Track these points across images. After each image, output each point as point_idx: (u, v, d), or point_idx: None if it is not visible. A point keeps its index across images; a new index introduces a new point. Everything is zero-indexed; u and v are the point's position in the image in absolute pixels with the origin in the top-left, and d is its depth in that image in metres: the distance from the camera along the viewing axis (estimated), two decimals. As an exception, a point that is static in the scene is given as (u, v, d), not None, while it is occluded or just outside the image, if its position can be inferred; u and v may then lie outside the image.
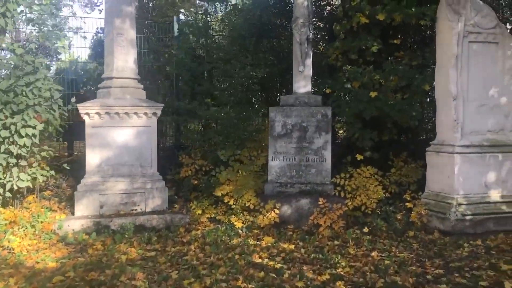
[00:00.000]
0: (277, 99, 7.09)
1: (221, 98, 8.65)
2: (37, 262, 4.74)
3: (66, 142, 9.41)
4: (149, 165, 6.47)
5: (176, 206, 6.81)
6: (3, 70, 6.75)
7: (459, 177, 6.04)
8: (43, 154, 6.10)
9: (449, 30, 6.19)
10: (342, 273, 4.45)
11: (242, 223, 6.13)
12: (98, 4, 16.40)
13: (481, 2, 6.54)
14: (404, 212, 6.43)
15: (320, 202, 6.08)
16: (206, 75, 9.56)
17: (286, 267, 4.62)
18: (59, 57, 12.90)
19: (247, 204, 6.27)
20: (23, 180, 5.87)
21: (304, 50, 6.66)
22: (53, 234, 5.68)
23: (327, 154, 6.55)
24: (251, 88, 9.58)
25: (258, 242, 5.52)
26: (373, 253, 5.03)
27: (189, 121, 9.26)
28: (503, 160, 6.18)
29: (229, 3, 12.44)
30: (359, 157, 7.02)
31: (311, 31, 6.75)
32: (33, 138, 5.81)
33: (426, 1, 7.29)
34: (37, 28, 7.42)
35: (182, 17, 14.18)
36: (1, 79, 5.99)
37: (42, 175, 6.12)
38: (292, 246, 5.34)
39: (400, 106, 7.04)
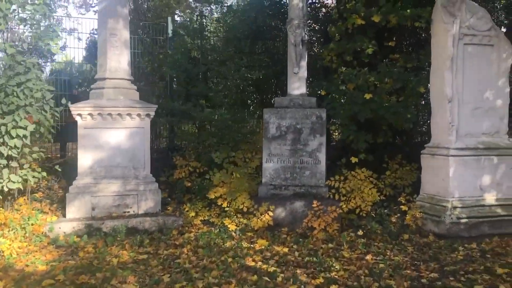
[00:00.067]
0: (272, 101, 7.05)
1: (215, 99, 8.60)
2: (27, 265, 4.67)
3: (58, 143, 9.31)
4: (142, 167, 6.40)
5: (169, 208, 6.75)
6: (-6, 70, 6.68)
7: (454, 180, 6.01)
8: (34, 155, 6.01)
9: (445, 32, 6.17)
10: (336, 276, 4.40)
11: (236, 225, 6.07)
12: (93, 5, 16.32)
13: (476, 4, 6.54)
14: (399, 215, 6.40)
15: (314, 205, 6.03)
16: (201, 76, 9.51)
17: (280, 270, 4.57)
18: (53, 58, 12.81)
19: (241, 207, 6.22)
20: (14, 182, 5.78)
21: (298, 52, 6.63)
22: (44, 236, 5.60)
23: (322, 156, 6.51)
24: (246, 89, 9.54)
25: (252, 245, 5.46)
26: (368, 257, 4.99)
27: (183, 123, 9.21)
28: (498, 163, 6.16)
29: (224, 4, 12.42)
30: (353, 159, 6.99)
31: (306, 33, 6.73)
32: (24, 139, 5.73)
33: (422, 3, 7.28)
34: (29, 28, 7.35)
35: (177, 18, 14.16)
36: (-9, 79, 5.92)
37: (33, 176, 6.03)
38: (286, 249, 5.29)
39: (395, 108, 7.01)
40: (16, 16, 7.10)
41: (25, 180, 5.96)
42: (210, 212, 6.53)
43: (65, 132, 8.50)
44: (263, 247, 5.38)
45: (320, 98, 7.95)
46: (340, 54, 7.75)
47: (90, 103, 6.23)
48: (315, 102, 6.75)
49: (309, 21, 9.30)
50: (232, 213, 6.28)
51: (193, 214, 6.45)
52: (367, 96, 6.97)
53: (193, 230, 6.07)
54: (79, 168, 6.21)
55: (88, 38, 12.65)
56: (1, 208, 6.00)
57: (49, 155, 8.66)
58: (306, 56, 6.84)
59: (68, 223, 5.79)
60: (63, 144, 9.56)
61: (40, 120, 5.95)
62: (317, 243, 5.54)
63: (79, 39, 15.31)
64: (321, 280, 4.28)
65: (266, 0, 10.04)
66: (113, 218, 6.03)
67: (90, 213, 6.09)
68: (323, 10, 10.30)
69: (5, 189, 5.76)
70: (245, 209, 6.22)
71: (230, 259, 4.83)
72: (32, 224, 5.78)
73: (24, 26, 7.24)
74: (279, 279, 4.30)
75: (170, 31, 9.59)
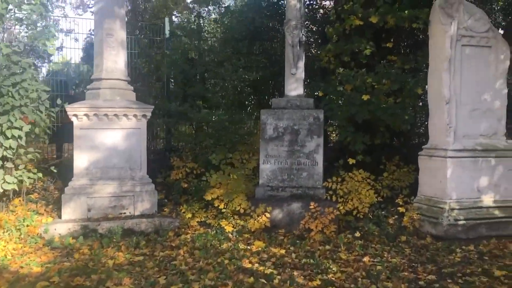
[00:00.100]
0: (270, 102, 7.03)
1: (213, 100, 8.57)
2: (22, 267, 4.62)
3: (55, 144, 9.27)
4: (138, 168, 6.36)
5: (165, 209, 6.71)
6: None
7: (451, 182, 6.00)
8: (30, 156, 5.97)
9: (442, 34, 6.16)
10: (333, 278, 4.37)
11: (233, 227, 6.04)
12: (90, 6, 16.28)
13: (474, 5, 6.54)
14: (396, 216, 6.37)
15: (311, 206, 6.00)
16: (198, 77, 9.48)
17: (277, 272, 4.53)
18: (51, 58, 12.77)
19: (238, 208, 6.18)
20: (9, 183, 5.74)
21: (296, 53, 6.60)
22: (39, 238, 5.56)
23: (319, 157, 6.48)
24: (244, 91, 9.52)
25: (249, 247, 5.42)
26: (365, 258, 4.97)
27: (181, 124, 9.17)
28: (495, 164, 6.15)
29: (222, 5, 12.40)
30: (351, 161, 6.97)
31: (304, 34, 6.70)
32: (19, 140, 5.69)
33: (419, 5, 7.27)
34: (25, 28, 7.31)
35: (175, 19, 14.13)
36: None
37: (29, 177, 5.99)
38: (283, 251, 5.26)
39: (393, 109, 7.00)
40: (13, 16, 7.07)
41: (20, 181, 5.92)
42: (207, 213, 6.49)
43: (61, 133, 8.45)
44: (260, 248, 5.35)
45: (318, 99, 7.93)
46: (338, 55, 7.74)
47: (86, 104, 6.19)
48: (312, 103, 6.73)
49: (307, 22, 9.29)
50: (229, 214, 6.25)
51: (189, 215, 6.41)
52: (365, 97, 6.95)
53: (189, 231, 6.03)
54: (75, 169, 6.17)
55: (85, 38, 12.63)
56: (-4, 209, 5.97)
57: (45, 156, 8.62)
58: (304, 57, 6.82)
59: (64, 225, 5.75)
60: (60, 145, 9.51)
61: (35, 121, 5.92)
62: (314, 245, 5.51)
63: (76, 39, 15.26)
64: (318, 282, 4.25)
65: (263, 1, 10.03)
66: (109, 219, 5.98)
67: (86, 214, 6.05)
68: (321, 11, 10.30)
69: (0, 190, 5.72)
70: (242, 211, 6.18)
71: (226, 261, 4.79)
72: (27, 226, 5.73)
73: (20, 26, 7.21)
74: (276, 281, 4.27)
75: (167, 32, 9.56)
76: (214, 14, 13.59)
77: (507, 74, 6.50)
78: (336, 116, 7.32)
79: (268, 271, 4.54)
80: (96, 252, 5.08)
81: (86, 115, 6.12)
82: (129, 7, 12.67)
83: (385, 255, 5.15)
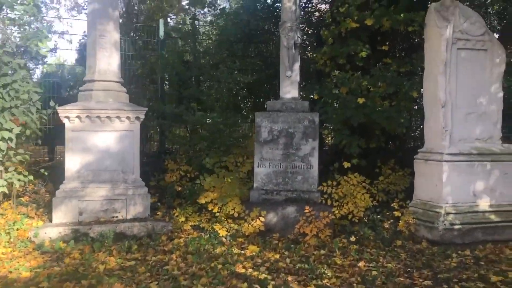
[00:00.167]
0: (265, 105, 6.97)
1: (207, 103, 8.51)
2: (10, 272, 4.53)
3: (46, 147, 9.17)
4: (131, 171, 6.27)
5: (158, 213, 6.62)
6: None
7: (447, 186, 5.95)
8: (19, 157, 5.87)
9: (438, 37, 6.13)
10: (328, 284, 4.31)
11: (227, 231, 5.96)
12: (85, 7, 16.16)
13: (470, 9, 6.52)
14: (391, 221, 6.32)
15: (306, 210, 5.94)
16: (193, 79, 9.42)
17: (271, 277, 4.46)
18: (45, 60, 12.68)
19: (232, 212, 6.11)
20: (-2, 185, 5.66)
21: (291, 55, 6.55)
22: (29, 242, 5.45)
23: (314, 161, 6.42)
24: (239, 93, 9.47)
25: (242, 251, 5.35)
26: (360, 263, 4.91)
27: (175, 126, 9.10)
28: (491, 168, 6.11)
29: (217, 8, 12.36)
30: (346, 164, 6.90)
31: (299, 36, 6.65)
32: (9, 141, 5.60)
33: (415, 8, 7.25)
34: (18, 29, 7.23)
35: (170, 21, 14.07)
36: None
37: (19, 180, 5.91)
38: (277, 256, 5.19)
39: (388, 113, 6.95)
40: (5, 17, 6.99)
41: (10, 184, 5.83)
42: (201, 217, 6.41)
43: (54, 135, 8.37)
44: (254, 253, 5.27)
45: (313, 102, 7.89)
46: (333, 58, 7.69)
47: (78, 106, 6.11)
48: (307, 106, 6.67)
49: (302, 25, 9.26)
50: (222, 218, 6.17)
51: (183, 219, 6.33)
52: (360, 100, 6.90)
53: (182, 235, 5.95)
54: (66, 171, 6.07)
55: (80, 40, 12.57)
56: (-15, 213, 5.86)
57: (37, 159, 8.52)
58: (299, 60, 6.77)
59: (54, 228, 5.65)
60: (52, 148, 9.42)
61: (26, 122, 5.83)
62: (309, 250, 5.45)
63: (70, 41, 15.20)
64: (313, 287, 4.18)
65: (259, 3, 9.99)
66: (101, 223, 5.89)
67: (77, 218, 5.95)
68: (316, 14, 10.29)
69: (-10, 193, 5.63)
70: (236, 214, 6.11)
71: (220, 266, 4.71)
72: (17, 229, 5.64)
73: (14, 26, 7.12)
74: (270, 286, 4.20)
75: (161, 34, 9.49)
76: (210, 17, 13.53)
77: (503, 78, 6.47)
78: (331, 119, 7.26)
79: (262, 276, 4.47)
80: (87, 256, 4.98)
81: (78, 117, 6.03)
82: (124, 9, 12.59)
83: (381, 260, 5.09)
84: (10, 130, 5.58)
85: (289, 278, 4.44)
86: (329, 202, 6.32)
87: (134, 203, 6.18)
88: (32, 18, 7.50)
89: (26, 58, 9.62)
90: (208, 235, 5.87)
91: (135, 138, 6.33)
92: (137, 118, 6.30)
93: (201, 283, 4.22)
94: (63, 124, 6.14)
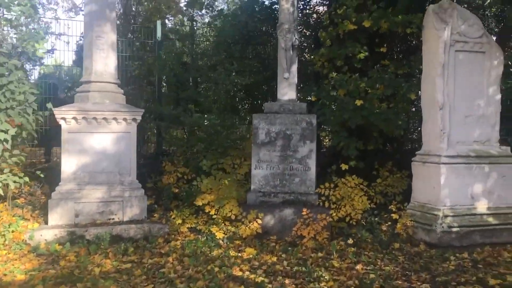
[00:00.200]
0: (262, 106, 6.94)
1: (205, 104, 8.48)
2: (5, 274, 4.48)
3: (43, 148, 9.13)
4: (127, 173, 6.23)
5: (155, 215, 6.59)
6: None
7: (445, 188, 5.93)
8: (14, 159, 5.82)
9: (436, 39, 6.12)
10: (325, 287, 4.28)
11: (224, 233, 5.92)
12: (82, 8, 16.09)
13: (468, 11, 6.52)
14: (389, 223, 6.29)
15: (304, 213, 5.91)
16: (191, 81, 9.39)
17: (268, 280, 4.43)
18: (42, 61, 12.62)
19: (229, 214, 6.07)
20: (-7, 187, 5.61)
21: (289, 57, 6.53)
22: (25, 244, 5.41)
23: (312, 163, 6.40)
24: (237, 95, 9.44)
25: (239, 254, 5.32)
26: (358, 266, 4.88)
27: (172, 128, 9.07)
28: (489, 171, 6.09)
29: (215, 9, 12.34)
30: (344, 166, 6.89)
31: (297, 38, 6.63)
32: (5, 143, 5.55)
33: (413, 10, 7.24)
34: (14, 30, 7.19)
35: (168, 23, 14.04)
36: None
37: (14, 181, 5.86)
38: (275, 258, 5.15)
39: (386, 115, 6.93)
40: (1, 17, 6.96)
41: (6, 185, 5.78)
42: (198, 219, 6.37)
43: (50, 137, 8.33)
44: (251, 256, 5.24)
45: (311, 104, 7.86)
46: (331, 60, 7.68)
47: (74, 107, 6.07)
48: (305, 107, 6.65)
49: (300, 26, 9.24)
50: (220, 220, 6.13)
51: (180, 221, 6.29)
52: (358, 102, 6.88)
53: (179, 238, 5.91)
54: (63, 173, 6.02)
55: (77, 41, 12.50)
56: (-20, 215, 5.81)
57: (33, 160, 8.48)
58: (297, 61, 6.75)
59: (50, 231, 5.60)
60: (49, 149, 9.37)
61: (22, 124, 5.78)
62: (307, 252, 5.42)
63: (67, 42, 15.12)
64: (310, 291, 4.16)
65: (256, 5, 9.97)
66: (97, 225, 5.84)
67: (73, 220, 5.90)
68: (314, 16, 10.27)
69: (-16, 195, 5.58)
70: (233, 217, 6.07)
71: (216, 269, 4.68)
72: (12, 231, 5.59)
73: (10, 27, 7.09)
74: (267, 290, 4.17)
75: (159, 35, 9.45)
76: (208, 18, 13.52)
77: (500, 80, 6.46)
78: (329, 121, 7.24)
79: (259, 279, 4.44)
80: (83, 259, 4.94)
81: (74, 118, 5.99)
82: (121, 10, 12.55)
83: (378, 263, 5.07)
84: (6, 132, 5.53)
85: (286, 281, 4.41)
86: (326, 204, 6.29)
87: (130, 205, 6.14)
88: (29, 19, 7.49)
89: (23, 59, 9.58)
90: (205, 238, 5.83)
91: (132, 140, 6.29)
92: (134, 119, 6.26)
93: (198, 286, 4.19)
94: (60, 126, 6.10)
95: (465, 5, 8.45)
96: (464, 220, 5.85)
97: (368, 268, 4.88)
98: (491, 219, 5.95)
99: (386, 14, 7.18)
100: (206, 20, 13.50)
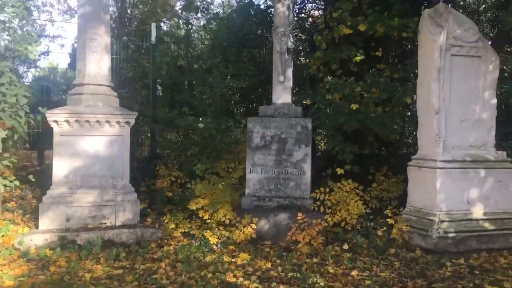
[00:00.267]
0: (257, 110, 6.89)
1: (199, 108, 8.41)
2: (-6, 280, 4.39)
3: (36, 151, 9.03)
4: (120, 177, 6.15)
5: (148, 219, 6.51)
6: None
7: (441, 193, 5.88)
8: (5, 162, 5.73)
9: (431, 43, 6.09)
10: (320, 293, 4.22)
11: (217, 238, 5.85)
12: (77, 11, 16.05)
13: (463, 15, 6.50)
14: (385, 228, 6.24)
15: (299, 217, 5.85)
16: (186, 84, 9.32)
17: (262, 286, 4.37)
18: (37, 64, 12.54)
19: (223, 219, 5.99)
20: (-17, 191, 5.51)
21: (284, 60, 6.49)
22: (14, 249, 5.31)
23: (307, 167, 6.34)
24: (232, 98, 9.38)
25: (233, 259, 5.24)
26: (353, 272, 4.81)
27: (166, 131, 8.98)
28: (485, 176, 6.05)
29: (211, 13, 12.30)
30: (339, 170, 6.82)
31: (292, 41, 6.59)
32: (-5, 146, 5.47)
33: (409, 14, 7.22)
34: (7, 32, 7.13)
35: (163, 25, 14.00)
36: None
37: (5, 185, 5.77)
38: (269, 264, 5.08)
39: (382, 119, 6.88)
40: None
41: (-4, 189, 5.69)
42: (191, 224, 6.29)
43: (43, 140, 8.23)
44: (245, 261, 5.17)
45: (306, 107, 7.81)
46: (327, 63, 7.63)
47: (67, 110, 5.99)
48: (300, 111, 6.60)
49: (295, 30, 9.20)
50: (213, 225, 6.05)
51: (173, 226, 6.20)
52: (353, 106, 6.83)
53: (172, 242, 5.82)
54: (54, 177, 5.93)
55: (72, 44, 12.46)
56: (-31, 219, 5.71)
57: (25, 163, 8.37)
58: (292, 65, 6.71)
59: (41, 235, 5.51)
60: (41, 152, 9.27)
61: (13, 126, 5.70)
62: (301, 258, 5.35)
63: (62, 45, 15.07)
64: (305, 297, 4.10)
65: (252, 9, 9.92)
66: (89, 230, 5.75)
67: (65, 224, 5.81)
68: (310, 20, 10.24)
69: (-26, 199, 5.49)
70: (227, 221, 6.00)
71: (210, 275, 4.60)
72: (2, 236, 5.51)
73: (3, 30, 7.01)
74: (261, 296, 4.10)
75: (153, 38, 9.39)
76: (203, 21, 13.48)
77: (496, 84, 6.43)
78: (324, 125, 7.19)
79: (253, 285, 4.37)
80: (73, 264, 4.85)
81: (67, 121, 5.91)
82: (116, 13, 12.51)
83: (374, 269, 5.00)
84: (-4, 134, 5.45)
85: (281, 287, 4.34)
86: (321, 209, 6.23)
87: (123, 209, 6.06)
88: (23, 21, 7.41)
89: (17, 61, 9.49)
90: (199, 243, 5.75)
91: (125, 143, 6.22)
92: (127, 122, 6.19)
93: (190, 293, 4.12)
94: (52, 128, 6.02)
95: (461, 10, 8.44)
96: (460, 226, 5.80)
97: (364, 274, 4.81)
98: (487, 225, 5.91)
99: (381, 18, 7.16)
100: (202, 23, 13.46)
